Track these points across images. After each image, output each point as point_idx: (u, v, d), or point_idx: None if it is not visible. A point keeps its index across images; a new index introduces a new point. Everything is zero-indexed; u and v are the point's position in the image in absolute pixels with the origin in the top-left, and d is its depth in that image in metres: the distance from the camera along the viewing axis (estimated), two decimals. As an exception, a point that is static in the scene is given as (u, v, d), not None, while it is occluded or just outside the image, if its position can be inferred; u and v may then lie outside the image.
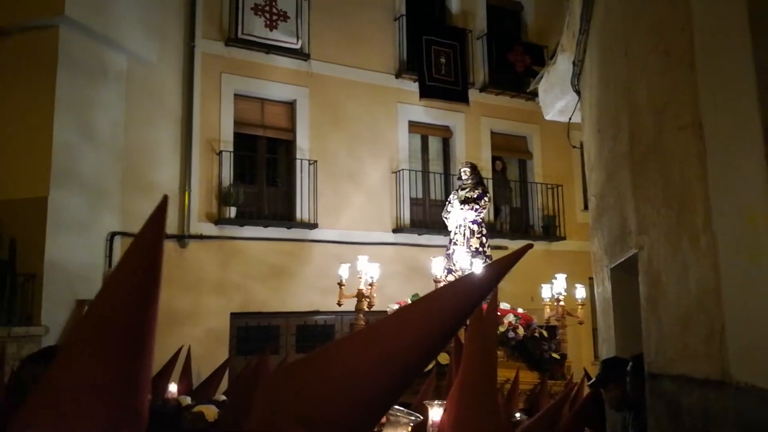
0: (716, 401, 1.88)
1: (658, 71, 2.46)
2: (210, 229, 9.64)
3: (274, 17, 10.39)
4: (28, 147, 8.13)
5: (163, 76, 9.65)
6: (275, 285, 9.86)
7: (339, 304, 7.25)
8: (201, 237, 9.50)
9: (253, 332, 9.64)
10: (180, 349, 6.02)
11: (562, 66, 6.04)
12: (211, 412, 3.31)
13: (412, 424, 2.04)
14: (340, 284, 7.31)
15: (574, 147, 6.38)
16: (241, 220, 9.77)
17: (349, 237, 10.34)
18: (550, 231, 12.40)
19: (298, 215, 10.27)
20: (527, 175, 12.96)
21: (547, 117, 7.16)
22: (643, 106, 2.82)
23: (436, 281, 7.14)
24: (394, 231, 11.02)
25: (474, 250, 8.02)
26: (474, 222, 8.27)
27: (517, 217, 12.51)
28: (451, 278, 7.55)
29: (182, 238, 9.38)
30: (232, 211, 9.70)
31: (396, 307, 7.68)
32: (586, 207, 10.84)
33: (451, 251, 8.14)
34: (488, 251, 8.30)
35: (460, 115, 12.10)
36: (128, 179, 9.07)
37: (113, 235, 8.86)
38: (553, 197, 12.48)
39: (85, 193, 8.57)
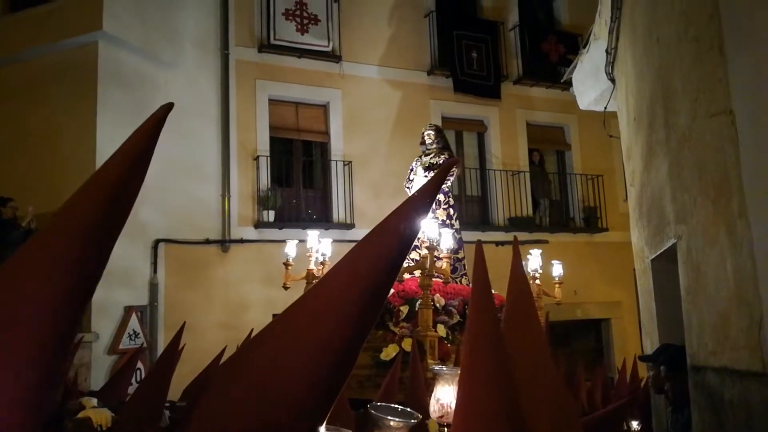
0: (757, 393, 1.84)
1: (690, 58, 2.41)
2: (250, 233, 9.79)
3: (305, 21, 10.49)
4: (73, 159, 8.39)
5: (200, 85, 9.84)
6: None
7: (285, 288, 6.25)
8: (242, 241, 9.66)
9: (296, 333, 9.74)
10: (224, 349, 5.77)
11: (595, 54, 5.94)
12: (101, 416, 2.71)
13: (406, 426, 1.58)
14: (286, 264, 6.20)
15: (611, 137, 6.23)
16: (280, 223, 9.89)
17: (387, 236, 10.33)
18: (592, 223, 12.17)
19: (335, 216, 10.35)
20: (566, 167, 12.76)
21: (582, 107, 7.06)
22: (676, 93, 2.76)
23: None
24: (432, 228, 10.99)
25: (441, 222, 6.98)
26: (440, 191, 7.27)
27: (557, 210, 12.32)
28: (414, 255, 6.62)
29: (224, 243, 9.57)
30: (271, 215, 9.84)
31: None
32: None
33: None
34: (456, 224, 7.35)
35: (494, 109, 11.98)
36: (170, 187, 9.27)
37: (158, 242, 9.09)
38: (593, 188, 12.25)
39: (129, 202, 8.80)
